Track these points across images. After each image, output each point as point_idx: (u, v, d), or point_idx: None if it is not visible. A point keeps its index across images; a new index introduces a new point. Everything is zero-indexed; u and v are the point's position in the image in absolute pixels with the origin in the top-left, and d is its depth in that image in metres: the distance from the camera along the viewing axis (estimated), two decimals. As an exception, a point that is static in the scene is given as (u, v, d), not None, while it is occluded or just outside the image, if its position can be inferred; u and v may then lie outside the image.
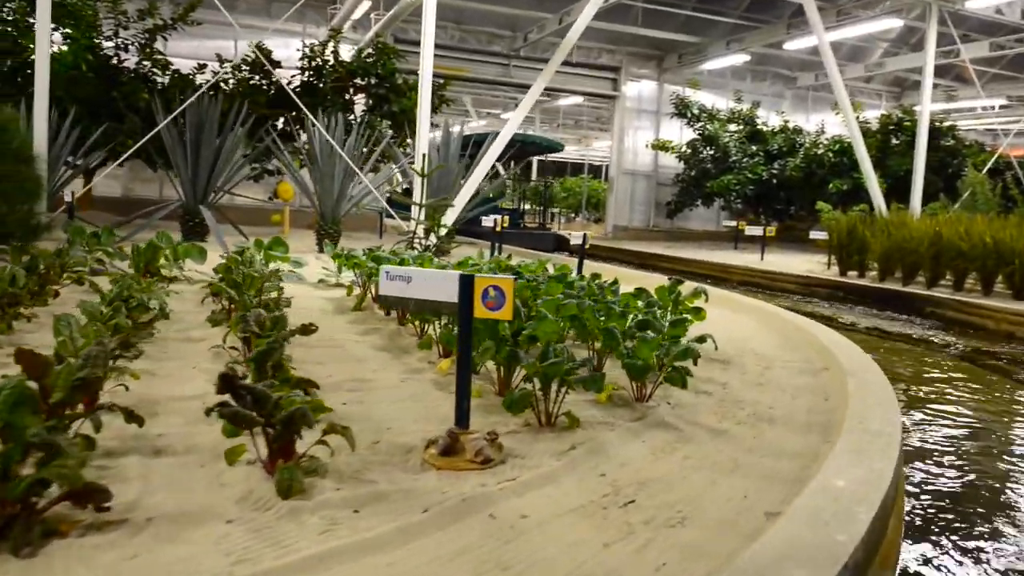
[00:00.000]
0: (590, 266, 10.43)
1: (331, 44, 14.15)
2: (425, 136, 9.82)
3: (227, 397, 2.19)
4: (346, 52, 15.42)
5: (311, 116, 9.86)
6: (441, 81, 15.10)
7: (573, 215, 31.20)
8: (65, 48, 11.52)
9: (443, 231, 9.38)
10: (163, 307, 4.71)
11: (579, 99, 28.66)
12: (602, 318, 3.74)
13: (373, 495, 2.14)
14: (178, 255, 6.44)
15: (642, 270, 16.67)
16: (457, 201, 10.33)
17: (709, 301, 7.47)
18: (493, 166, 21.93)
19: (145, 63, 12.93)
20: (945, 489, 4.08)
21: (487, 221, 11.91)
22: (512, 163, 21.06)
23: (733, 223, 18.46)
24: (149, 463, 2.33)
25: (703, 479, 2.47)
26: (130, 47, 13.04)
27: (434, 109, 14.84)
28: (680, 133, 21.94)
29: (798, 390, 3.88)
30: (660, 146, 20.85)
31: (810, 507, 2.00)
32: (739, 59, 19.56)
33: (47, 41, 8.43)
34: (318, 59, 14.12)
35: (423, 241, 8.72)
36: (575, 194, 31.51)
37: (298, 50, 14.54)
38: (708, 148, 20.10)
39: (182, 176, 9.97)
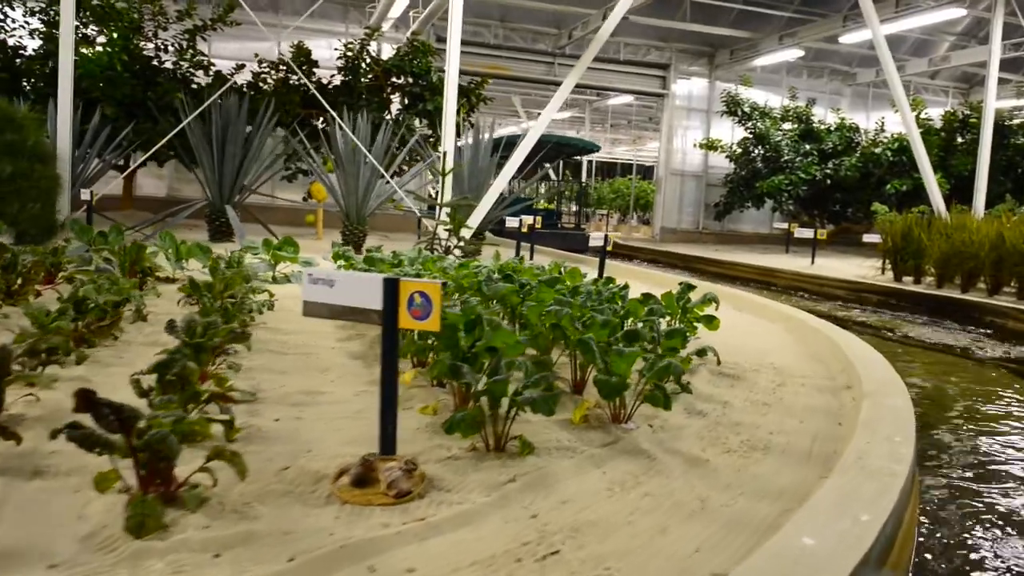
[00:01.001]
0: (624, 270, 10.01)
1: (367, 42, 14.00)
2: (450, 135, 9.53)
3: (85, 416, 1.90)
4: (390, 52, 15.32)
5: (334, 114, 9.68)
6: (477, 80, 14.81)
7: (622, 216, 30.63)
8: (100, 49, 11.63)
9: (467, 231, 9.08)
10: (140, 309, 4.53)
11: (629, 98, 28.15)
12: (579, 328, 3.35)
13: (245, 536, 1.82)
14: (180, 255, 6.29)
15: (684, 273, 16.12)
16: (483, 201, 10.01)
17: (738, 308, 7.05)
18: (540, 167, 21.83)
19: (182, 63, 12.99)
20: (981, 551, 3.55)
21: (512, 221, 11.61)
22: (546, 164, 20.76)
23: (784, 225, 17.72)
24: (15, 486, 2.07)
25: (653, 524, 2.08)
26: (169, 48, 13.14)
27: (472, 108, 14.62)
28: (732, 132, 21.20)
29: (809, 412, 3.44)
30: (709, 145, 20.15)
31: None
32: (793, 54, 18.75)
33: (71, 41, 8.45)
34: (355, 58, 14.00)
35: (444, 242, 8.43)
36: (624, 195, 30.90)
37: (336, 49, 14.47)
38: (759, 147, 19.34)
39: (207, 175, 9.92)
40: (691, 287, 4.64)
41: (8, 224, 6.75)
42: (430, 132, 14.21)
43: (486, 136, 11.26)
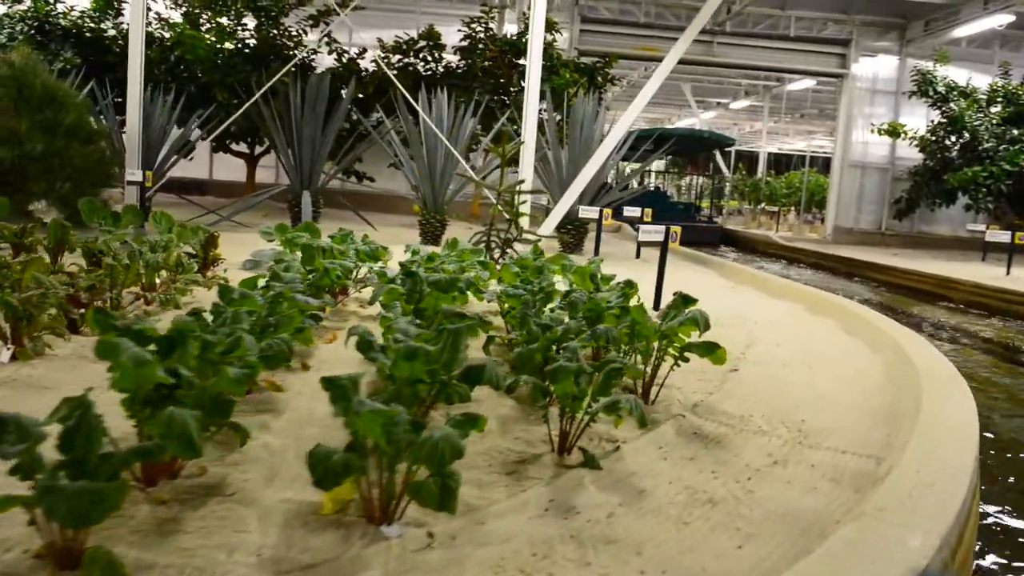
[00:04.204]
0: (749, 276, 8.35)
1: (486, 21, 13.15)
2: (534, 117, 8.40)
3: None
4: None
5: (407, 94, 8.89)
6: (603, 60, 13.49)
7: (795, 213, 27.58)
8: (206, 35, 11.69)
9: (531, 223, 7.93)
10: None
11: (809, 83, 25.18)
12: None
13: None
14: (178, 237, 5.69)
15: (846, 280, 13.77)
16: (567, 194, 8.76)
17: (849, 332, 5.30)
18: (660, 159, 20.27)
19: (302, 47, 12.85)
20: None
21: (628, 212, 10.32)
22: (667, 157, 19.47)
23: (981, 227, 14.70)
24: None
25: None
26: (293, 33, 13.06)
27: (598, 89, 13.32)
28: (927, 119, 18.05)
29: (779, 520, 2.01)
30: (890, 131, 17.20)
31: None
32: (1001, 20, 15.46)
33: (141, 23, 8.29)
34: (474, 38, 13.22)
35: (506, 235, 7.32)
36: (798, 190, 27.82)
37: (459, 30, 13.77)
38: (953, 134, 16.24)
39: (285, 160, 9.52)
40: (689, 300, 3.20)
41: (30, 202, 6.58)
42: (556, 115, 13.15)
43: (585, 115, 9.93)
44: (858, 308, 6.03)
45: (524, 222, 8.50)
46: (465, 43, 13.41)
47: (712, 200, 25.06)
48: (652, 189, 28.49)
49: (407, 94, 8.99)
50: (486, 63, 12.87)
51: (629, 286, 4.31)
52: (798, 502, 2.17)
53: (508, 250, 7.31)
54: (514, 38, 13.09)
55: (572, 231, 10.08)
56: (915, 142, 17.00)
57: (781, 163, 37.86)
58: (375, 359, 2.15)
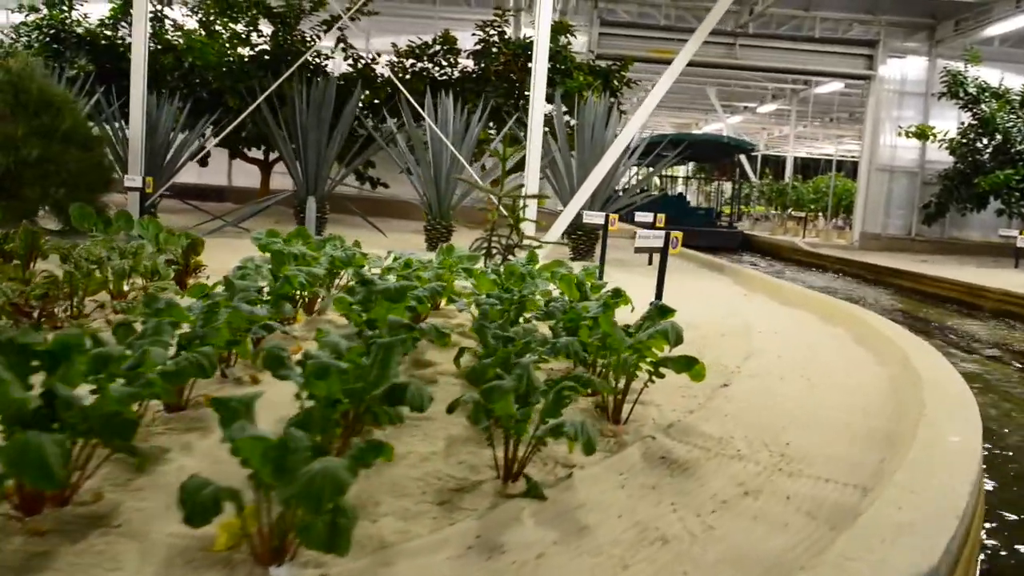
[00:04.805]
0: (773, 287, 8.03)
1: (499, 24, 12.98)
2: (539, 120, 8.18)
3: None
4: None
5: (410, 98, 8.72)
6: (618, 63, 13.25)
7: (821, 218, 26.96)
8: (215, 41, 11.65)
9: (532, 228, 7.70)
10: None
11: (837, 86, 24.64)
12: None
13: None
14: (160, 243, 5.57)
15: (871, 288, 13.33)
16: (574, 200, 8.51)
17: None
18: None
19: (315, 53, 12.78)
20: None
21: (640, 217, 10.05)
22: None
23: (1013, 232, 14.18)
24: None
25: None
26: (308, 39, 13.01)
27: (613, 92, 13.06)
28: (958, 119, 17.47)
29: (733, 565, 1.77)
30: (918, 134, 16.67)
31: None
32: (1035, 18, 14.92)
33: (144, 28, 8.23)
34: (487, 42, 13.05)
35: (507, 241, 7.10)
36: (825, 195, 27.17)
37: (473, 34, 13.61)
38: (984, 136, 15.70)
39: (289, 165, 9.42)
40: (666, 311, 2.96)
41: (30, 208, 6.51)
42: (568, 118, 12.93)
43: (607, 126, 9.67)
44: (870, 317, 5.71)
45: (531, 228, 8.30)
46: (479, 47, 13.26)
47: (732, 205, 24.75)
48: (671, 194, 28.24)
49: (410, 97, 8.82)
50: (499, 67, 12.68)
51: (616, 295, 4.08)
52: (762, 542, 1.92)
53: (510, 257, 7.10)
54: (528, 41, 12.89)
55: (583, 237, 9.85)
56: (945, 145, 16.46)
57: (809, 167, 37.14)
58: (287, 377, 1.95)
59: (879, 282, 13.78)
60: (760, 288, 7.95)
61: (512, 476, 2.20)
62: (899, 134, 17.40)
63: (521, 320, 3.53)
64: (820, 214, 27.32)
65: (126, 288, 4.14)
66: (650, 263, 9.64)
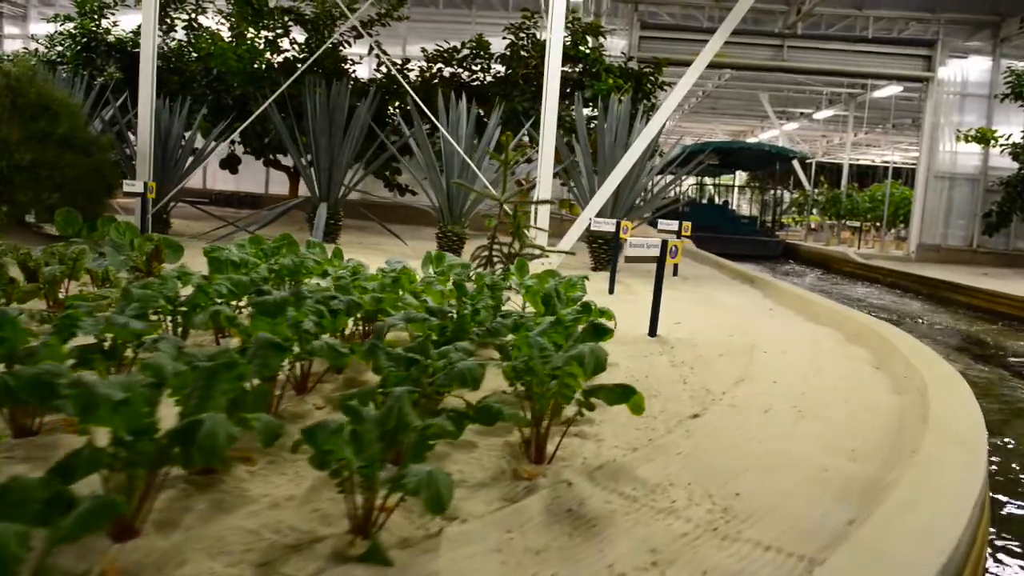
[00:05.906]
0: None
1: (528, 27, 12.63)
2: (552, 121, 7.78)
3: None
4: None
5: (420, 103, 8.42)
6: (652, 65, 12.75)
7: (877, 229, 25.71)
8: (239, 47, 11.60)
9: (542, 237, 7.28)
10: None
11: (895, 89, 23.46)
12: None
13: None
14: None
15: (924, 303, 12.47)
16: (588, 208, 8.06)
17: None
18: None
19: (341, 60, 12.66)
20: None
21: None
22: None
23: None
24: None
25: None
26: (340, 46, 12.88)
27: (646, 96, 12.57)
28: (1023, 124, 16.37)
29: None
30: (979, 138, 15.65)
31: None
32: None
33: (152, 32, 8.13)
34: (516, 46, 12.72)
35: (508, 250, 6.70)
36: (881, 204, 25.90)
37: (504, 37, 13.29)
38: (1052, 140, 14.65)
39: (302, 171, 9.23)
40: (601, 331, 2.53)
41: (22, 212, 6.42)
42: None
43: (628, 129, 9.20)
44: (900, 338, 5.11)
45: (543, 237, 7.89)
46: (507, 51, 12.95)
47: (774, 214, 24.25)
48: (717, 203, 27.56)
49: (419, 101, 8.53)
50: (525, 70, 12.33)
51: (587, 310, 3.66)
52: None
53: (511, 266, 6.71)
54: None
55: (604, 246, 9.39)
56: (1008, 150, 15.42)
57: (867, 175, 35.68)
58: (61, 408, 1.60)
59: (934, 297, 12.90)
60: (789, 302, 7.37)
61: (365, 531, 1.81)
62: (959, 139, 16.39)
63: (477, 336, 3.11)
64: (876, 223, 26.08)
65: (62, 296, 3.89)
66: (675, 274, 9.11)
